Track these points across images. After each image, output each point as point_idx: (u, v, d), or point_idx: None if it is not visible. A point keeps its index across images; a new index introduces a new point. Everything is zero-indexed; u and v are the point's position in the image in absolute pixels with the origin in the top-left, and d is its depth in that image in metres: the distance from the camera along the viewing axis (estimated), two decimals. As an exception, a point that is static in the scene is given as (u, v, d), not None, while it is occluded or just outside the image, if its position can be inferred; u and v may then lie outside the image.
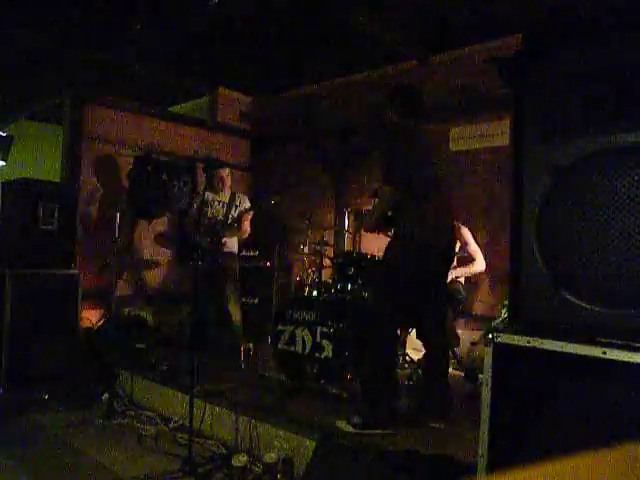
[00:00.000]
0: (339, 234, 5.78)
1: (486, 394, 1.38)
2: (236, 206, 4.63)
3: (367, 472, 2.32)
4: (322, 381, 3.40)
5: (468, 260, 4.23)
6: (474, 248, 4.22)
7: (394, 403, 2.79)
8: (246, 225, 4.61)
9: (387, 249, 2.86)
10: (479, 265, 4.18)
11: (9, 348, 3.80)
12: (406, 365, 3.77)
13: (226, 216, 4.56)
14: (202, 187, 4.62)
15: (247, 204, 4.69)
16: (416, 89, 3.11)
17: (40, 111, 6.61)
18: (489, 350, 1.38)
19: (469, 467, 2.08)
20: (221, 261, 4.51)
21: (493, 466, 1.37)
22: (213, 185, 4.57)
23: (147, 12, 4.20)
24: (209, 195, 4.56)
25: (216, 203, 4.60)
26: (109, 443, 3.06)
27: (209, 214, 4.57)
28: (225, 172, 4.59)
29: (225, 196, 4.62)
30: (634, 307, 1.18)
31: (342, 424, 2.69)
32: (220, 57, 5.50)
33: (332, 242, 5.26)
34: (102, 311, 5.19)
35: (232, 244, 4.67)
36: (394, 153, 2.80)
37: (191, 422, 2.67)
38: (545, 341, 1.28)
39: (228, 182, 4.61)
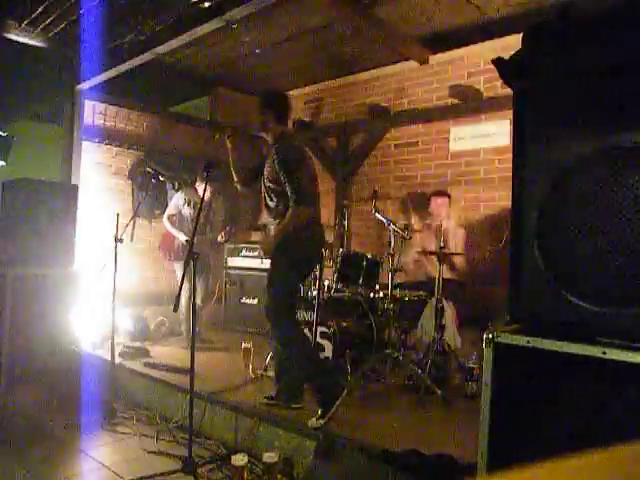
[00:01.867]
0: (339, 233, 5.78)
1: (486, 394, 1.38)
2: (212, 209, 4.80)
3: (367, 472, 2.32)
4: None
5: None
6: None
7: (329, 380, 2.94)
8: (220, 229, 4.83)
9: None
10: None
11: (9, 348, 3.80)
12: (405, 365, 3.76)
13: (206, 217, 4.73)
14: (202, 188, 4.65)
15: (221, 211, 4.91)
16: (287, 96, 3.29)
17: (40, 111, 6.61)
18: (489, 350, 1.38)
19: (469, 467, 2.08)
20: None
21: (493, 466, 1.37)
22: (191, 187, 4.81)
23: (148, 11, 4.20)
24: (189, 196, 4.76)
25: (194, 204, 4.73)
26: (109, 443, 3.07)
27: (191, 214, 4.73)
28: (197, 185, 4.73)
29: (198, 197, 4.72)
30: (634, 307, 1.18)
31: (312, 421, 2.74)
32: (220, 57, 5.50)
33: (332, 242, 5.26)
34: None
35: (205, 243, 4.79)
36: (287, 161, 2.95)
37: (191, 422, 2.67)
38: (545, 341, 1.28)
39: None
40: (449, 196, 4.45)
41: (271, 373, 3.72)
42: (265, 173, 3.04)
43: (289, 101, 3.21)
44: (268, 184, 3.02)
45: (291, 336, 2.95)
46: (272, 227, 3.09)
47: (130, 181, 5.67)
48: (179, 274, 4.62)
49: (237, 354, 4.06)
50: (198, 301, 4.83)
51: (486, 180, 4.77)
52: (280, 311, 2.94)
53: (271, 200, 3.03)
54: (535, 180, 1.35)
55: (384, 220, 3.79)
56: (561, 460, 0.40)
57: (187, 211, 4.71)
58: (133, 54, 4.69)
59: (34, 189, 4.17)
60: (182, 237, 4.60)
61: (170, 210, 4.79)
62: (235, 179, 3.30)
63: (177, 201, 4.78)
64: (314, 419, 2.75)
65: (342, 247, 5.38)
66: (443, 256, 3.54)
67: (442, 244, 3.55)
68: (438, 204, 4.43)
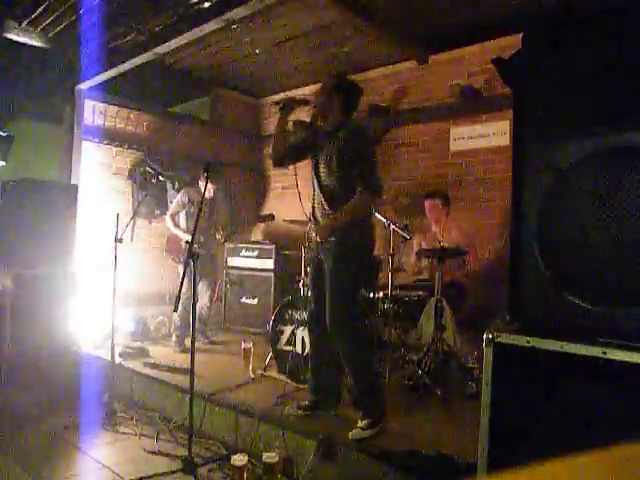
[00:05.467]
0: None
1: (486, 394, 1.38)
2: (215, 208, 4.84)
3: (367, 472, 2.32)
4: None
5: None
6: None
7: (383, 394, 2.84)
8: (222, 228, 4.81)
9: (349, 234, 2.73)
10: None
11: (9, 348, 3.80)
12: (405, 365, 3.76)
13: (210, 217, 4.74)
14: (203, 187, 4.66)
15: (225, 209, 5.03)
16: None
17: (40, 111, 6.61)
18: (489, 350, 1.38)
19: (469, 467, 2.08)
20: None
21: (493, 466, 1.37)
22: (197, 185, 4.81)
23: (148, 11, 4.20)
24: (194, 194, 4.75)
25: (197, 202, 4.71)
26: (109, 443, 3.07)
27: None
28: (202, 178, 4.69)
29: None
30: (634, 307, 1.18)
31: (355, 433, 2.57)
32: (220, 57, 5.50)
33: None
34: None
35: (212, 243, 4.82)
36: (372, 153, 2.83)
37: (191, 422, 2.67)
38: (545, 341, 1.28)
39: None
40: (443, 198, 4.38)
41: (270, 373, 3.72)
42: (326, 161, 2.77)
43: (360, 94, 2.91)
44: (335, 173, 2.74)
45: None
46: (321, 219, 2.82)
47: (130, 181, 5.67)
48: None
49: (237, 354, 4.06)
50: (206, 301, 4.82)
51: (486, 180, 4.77)
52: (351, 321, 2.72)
53: (333, 192, 2.75)
54: (535, 180, 1.35)
55: (384, 220, 3.78)
56: (561, 460, 0.40)
57: (193, 210, 4.68)
58: (133, 54, 4.68)
59: (34, 189, 4.18)
60: (186, 237, 4.57)
61: (173, 209, 4.77)
62: (272, 154, 2.99)
63: (181, 200, 4.75)
64: (357, 430, 2.58)
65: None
66: (442, 256, 3.53)
67: (441, 244, 3.55)
68: (430, 206, 4.38)
